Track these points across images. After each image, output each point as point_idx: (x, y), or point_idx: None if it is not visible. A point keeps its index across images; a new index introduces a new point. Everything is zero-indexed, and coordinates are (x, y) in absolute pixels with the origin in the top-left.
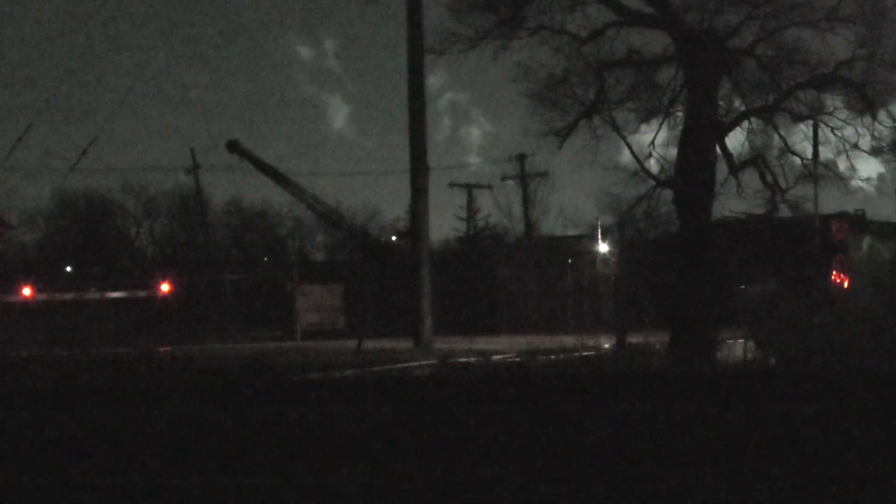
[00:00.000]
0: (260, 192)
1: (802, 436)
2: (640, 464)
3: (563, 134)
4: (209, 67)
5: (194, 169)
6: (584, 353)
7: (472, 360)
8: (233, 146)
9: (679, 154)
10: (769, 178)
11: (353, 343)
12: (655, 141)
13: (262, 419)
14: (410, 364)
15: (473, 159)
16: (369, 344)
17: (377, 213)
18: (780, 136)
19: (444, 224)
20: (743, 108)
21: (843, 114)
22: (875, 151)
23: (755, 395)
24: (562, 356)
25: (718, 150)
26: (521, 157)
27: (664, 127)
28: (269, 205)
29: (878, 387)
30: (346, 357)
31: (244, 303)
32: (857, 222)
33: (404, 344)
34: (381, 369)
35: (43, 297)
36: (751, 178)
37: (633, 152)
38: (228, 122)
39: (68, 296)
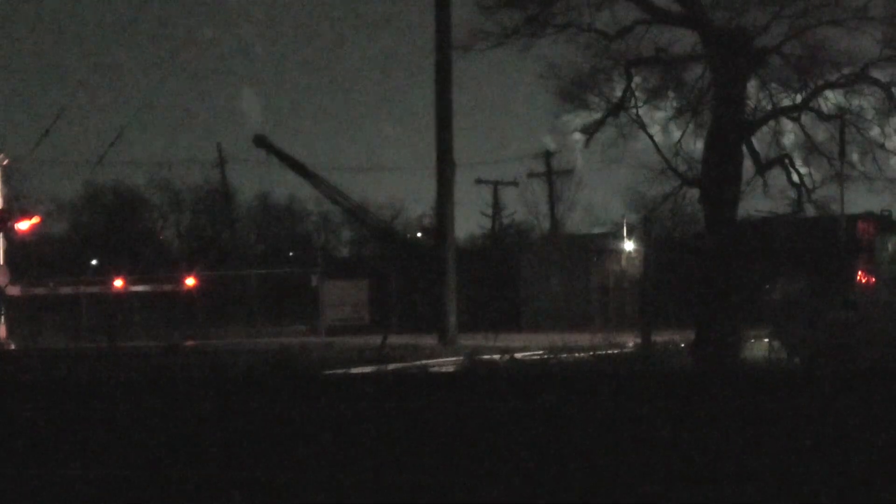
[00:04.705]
0: (286, 187)
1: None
2: (653, 465)
3: (591, 131)
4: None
5: (221, 163)
6: (609, 352)
7: (496, 356)
8: (260, 141)
9: (705, 152)
10: (795, 177)
11: (377, 339)
12: (682, 139)
13: (280, 415)
14: (435, 360)
15: (500, 156)
16: (394, 340)
17: (403, 209)
18: (807, 136)
19: (469, 221)
20: (770, 107)
21: (871, 113)
22: None
23: (776, 396)
24: (586, 354)
25: (745, 149)
26: (548, 155)
27: (691, 125)
28: (296, 200)
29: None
30: (371, 353)
31: (270, 297)
32: (884, 223)
33: (429, 340)
34: (406, 365)
35: (68, 290)
36: (777, 177)
37: (659, 150)
38: (257, 116)
39: (94, 289)
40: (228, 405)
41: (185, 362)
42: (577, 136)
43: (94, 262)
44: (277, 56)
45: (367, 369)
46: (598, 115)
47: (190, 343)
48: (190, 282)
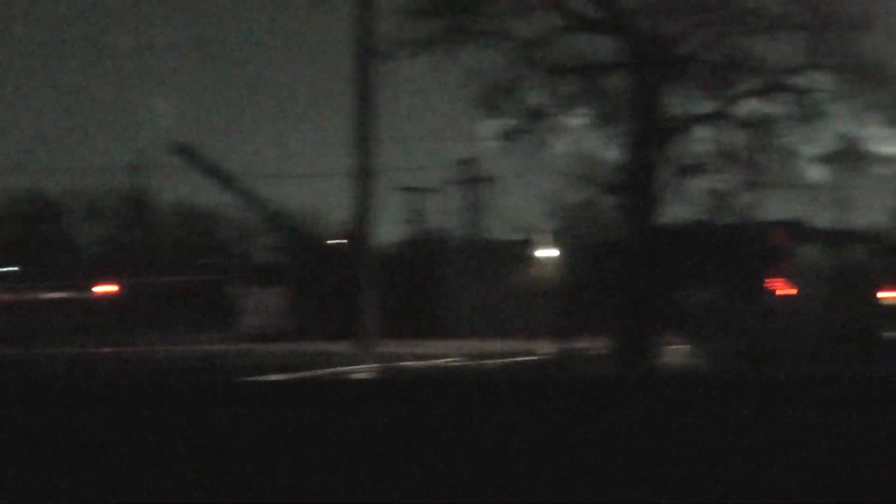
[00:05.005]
0: (206, 194)
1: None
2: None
3: (511, 139)
4: (158, 70)
5: (138, 169)
6: (527, 358)
7: (414, 363)
8: (178, 147)
9: (624, 159)
10: (713, 184)
11: (295, 346)
12: (601, 146)
13: (186, 423)
14: (353, 367)
15: (421, 163)
16: (312, 347)
17: (322, 216)
18: (725, 143)
19: (388, 227)
20: (689, 114)
21: (789, 121)
22: (819, 159)
23: (688, 402)
24: (504, 360)
25: (663, 156)
26: (468, 162)
27: (611, 132)
28: (215, 206)
29: (812, 392)
30: (288, 360)
31: (187, 305)
32: (801, 230)
33: (348, 347)
34: (323, 372)
35: None
36: (696, 184)
37: (578, 157)
38: (174, 123)
39: (7, 297)
40: (128, 414)
41: (91, 370)
42: (498, 143)
43: (9, 269)
44: (195, 62)
45: (283, 377)
46: (518, 123)
47: (105, 351)
48: (106, 289)
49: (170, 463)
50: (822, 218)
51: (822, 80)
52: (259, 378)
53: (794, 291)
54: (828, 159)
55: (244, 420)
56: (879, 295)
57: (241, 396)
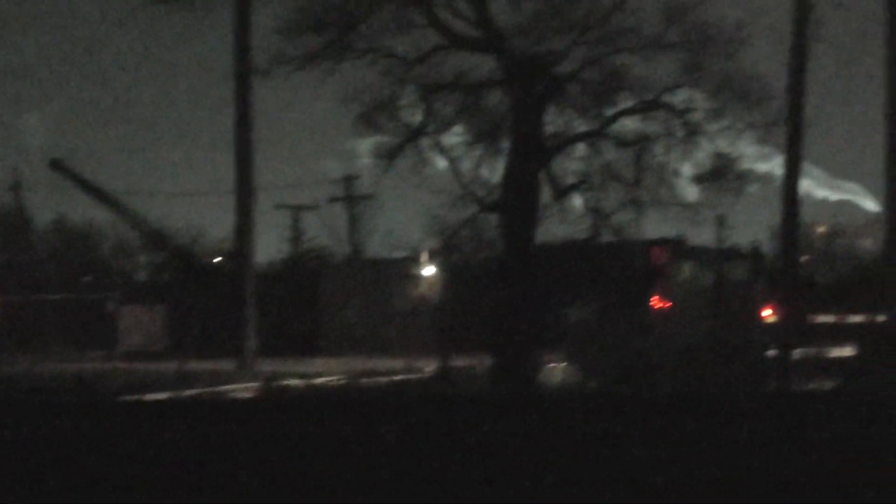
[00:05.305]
0: (84, 211)
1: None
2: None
3: (391, 156)
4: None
5: (15, 187)
6: (409, 377)
7: (295, 382)
8: (56, 164)
9: (504, 178)
10: (593, 202)
11: (175, 365)
12: (481, 165)
13: (60, 443)
14: (234, 386)
15: (301, 180)
16: (193, 366)
17: (202, 234)
18: (605, 162)
19: (270, 245)
20: (568, 133)
21: (667, 140)
22: (696, 178)
23: (561, 419)
24: (386, 379)
25: (543, 174)
26: (349, 179)
27: (491, 150)
28: (93, 224)
29: (682, 409)
30: (167, 378)
31: (66, 323)
32: (678, 248)
33: (228, 366)
34: (202, 391)
35: None
36: (575, 202)
37: (458, 176)
38: (52, 140)
39: None
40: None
41: None
42: (378, 160)
43: None
44: (73, 79)
45: (162, 395)
46: (397, 140)
47: None
48: None
49: (41, 483)
50: (703, 236)
51: (698, 99)
52: (138, 397)
53: (672, 308)
54: (705, 178)
55: (122, 440)
56: (763, 313)
57: (118, 415)
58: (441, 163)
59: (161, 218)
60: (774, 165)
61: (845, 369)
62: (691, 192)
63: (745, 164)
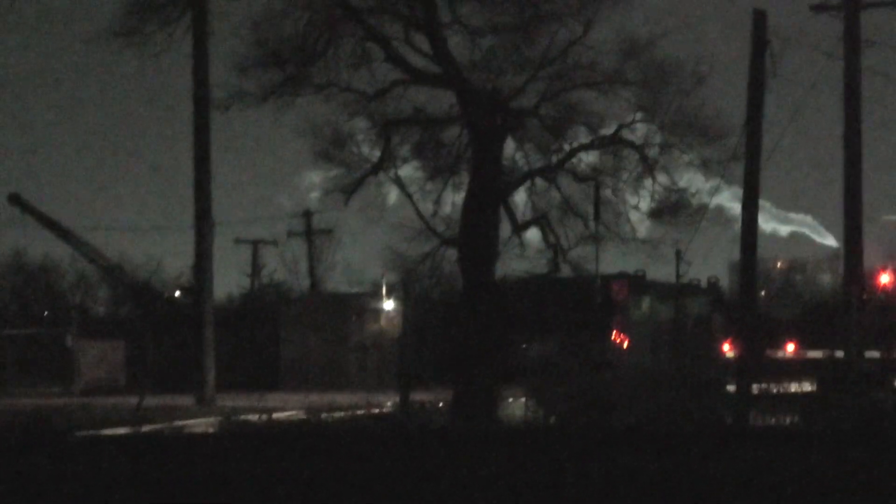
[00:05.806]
0: (41, 246)
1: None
2: None
3: (349, 191)
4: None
5: None
6: (369, 412)
7: (254, 417)
8: (14, 199)
9: (463, 212)
10: (552, 237)
11: (134, 400)
12: (440, 199)
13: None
14: (193, 421)
15: (260, 214)
16: (151, 401)
17: (161, 268)
18: (563, 197)
19: (228, 279)
20: (526, 167)
21: (624, 175)
22: (654, 213)
23: (518, 455)
24: (346, 414)
25: (502, 209)
26: (308, 214)
27: (449, 185)
28: (51, 258)
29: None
30: (126, 414)
31: (23, 358)
32: (637, 283)
33: (187, 401)
34: (161, 427)
35: None
36: (534, 237)
37: (418, 210)
38: (9, 173)
39: None
40: None
41: None
42: (336, 195)
43: None
44: (32, 113)
45: (121, 431)
46: (356, 175)
47: None
48: None
49: None
50: (662, 271)
51: (654, 135)
52: (95, 433)
53: (631, 343)
54: (661, 213)
55: (78, 476)
56: (722, 348)
57: (74, 451)
58: (401, 197)
59: (120, 252)
60: (724, 198)
61: (804, 405)
62: (649, 227)
63: (702, 199)
